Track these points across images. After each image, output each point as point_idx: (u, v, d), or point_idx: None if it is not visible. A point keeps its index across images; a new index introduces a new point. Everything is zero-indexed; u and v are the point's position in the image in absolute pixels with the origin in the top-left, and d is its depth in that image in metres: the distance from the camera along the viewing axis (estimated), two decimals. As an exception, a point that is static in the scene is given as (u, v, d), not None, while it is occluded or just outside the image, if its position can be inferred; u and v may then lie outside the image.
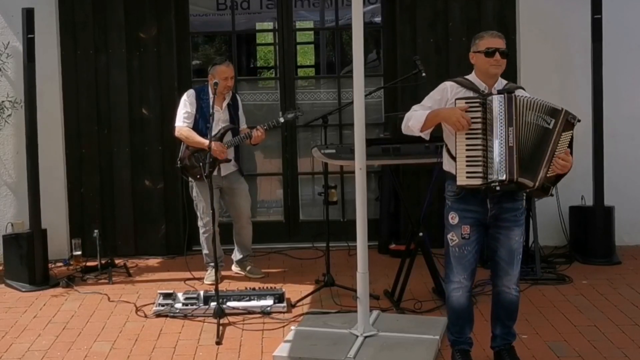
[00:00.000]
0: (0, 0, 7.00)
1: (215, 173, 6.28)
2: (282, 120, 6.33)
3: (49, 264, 6.62)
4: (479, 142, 4.14)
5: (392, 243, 7.06)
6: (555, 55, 7.06)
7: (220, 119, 6.33)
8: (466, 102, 4.17)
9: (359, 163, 4.80)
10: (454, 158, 4.25)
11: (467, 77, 4.37)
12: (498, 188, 4.13)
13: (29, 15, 6.35)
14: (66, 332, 5.36)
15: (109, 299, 6.01)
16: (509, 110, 4.11)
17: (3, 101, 6.87)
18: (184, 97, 6.38)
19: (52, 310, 5.82)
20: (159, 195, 7.26)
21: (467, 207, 4.26)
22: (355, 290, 5.01)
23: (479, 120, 4.14)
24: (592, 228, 6.71)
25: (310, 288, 6.03)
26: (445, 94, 4.32)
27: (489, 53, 4.25)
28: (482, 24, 7.09)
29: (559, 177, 4.25)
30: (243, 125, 6.52)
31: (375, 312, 5.22)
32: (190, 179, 6.40)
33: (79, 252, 6.90)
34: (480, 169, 4.13)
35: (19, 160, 7.00)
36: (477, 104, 4.15)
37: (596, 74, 6.65)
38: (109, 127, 7.21)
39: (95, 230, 6.68)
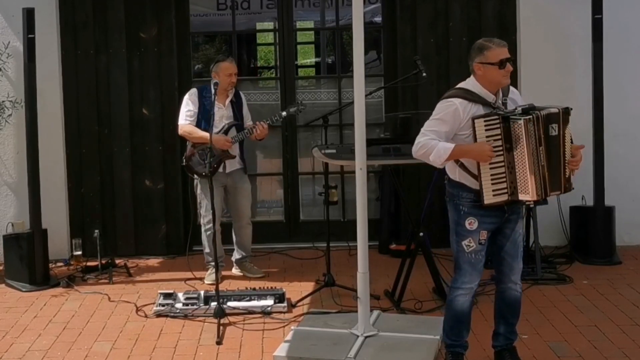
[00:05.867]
0: (1, 0, 7.00)
1: (220, 170, 6.29)
2: (284, 114, 6.33)
3: (50, 264, 6.62)
4: (501, 158, 4.13)
5: (393, 243, 7.06)
6: (556, 55, 7.05)
7: (223, 115, 6.35)
8: (485, 122, 4.12)
9: (360, 163, 4.80)
10: (470, 174, 4.22)
11: (468, 87, 4.26)
12: (532, 205, 4.17)
13: (29, 15, 6.35)
14: (66, 332, 5.36)
15: (109, 299, 6.01)
16: (538, 129, 4.09)
17: (3, 101, 6.87)
18: (187, 96, 6.40)
19: (52, 310, 5.82)
20: (159, 195, 7.25)
21: (487, 212, 4.22)
22: (355, 290, 5.01)
23: (499, 137, 4.12)
24: (592, 228, 6.70)
25: (310, 288, 6.03)
26: (458, 115, 4.17)
27: (503, 64, 4.18)
28: (482, 24, 7.10)
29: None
30: (249, 122, 6.51)
31: (375, 312, 5.22)
32: (195, 176, 6.40)
33: (80, 252, 6.90)
34: (504, 185, 4.14)
35: (20, 160, 7.00)
36: (497, 122, 4.12)
37: (597, 73, 6.65)
38: (109, 127, 7.21)
39: (96, 230, 6.68)
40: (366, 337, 4.81)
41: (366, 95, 5.05)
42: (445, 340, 4.47)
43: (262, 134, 6.29)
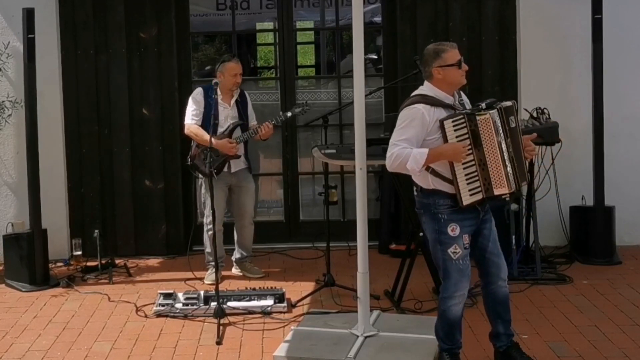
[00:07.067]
0: (1, 0, 7.01)
1: (225, 170, 6.30)
2: (289, 114, 6.33)
3: (50, 264, 6.62)
4: (471, 157, 4.17)
5: (393, 243, 7.06)
6: (555, 55, 7.06)
7: (228, 115, 6.35)
8: (453, 122, 4.16)
9: (359, 163, 4.80)
10: (443, 178, 4.23)
11: (425, 93, 4.30)
12: (508, 199, 4.25)
13: (29, 15, 6.36)
14: (66, 332, 5.36)
15: (109, 299, 6.02)
16: (503, 122, 4.19)
17: (3, 101, 6.87)
18: (192, 95, 6.39)
19: (52, 310, 5.82)
20: (159, 195, 7.25)
21: (465, 216, 4.24)
22: (355, 290, 5.01)
23: (466, 136, 4.16)
24: (592, 228, 6.70)
25: (310, 288, 6.03)
26: (425, 120, 4.18)
27: (460, 64, 4.25)
28: (482, 24, 7.11)
29: None
30: (253, 122, 6.52)
31: (375, 312, 5.22)
32: (200, 175, 6.39)
33: (79, 252, 6.89)
34: (478, 184, 4.18)
35: (20, 160, 7.00)
36: (463, 121, 4.17)
37: (596, 74, 6.65)
38: (109, 127, 7.21)
39: (96, 230, 6.69)
40: (366, 337, 4.81)
41: (366, 95, 5.05)
42: (442, 345, 4.48)
43: (268, 134, 6.30)
